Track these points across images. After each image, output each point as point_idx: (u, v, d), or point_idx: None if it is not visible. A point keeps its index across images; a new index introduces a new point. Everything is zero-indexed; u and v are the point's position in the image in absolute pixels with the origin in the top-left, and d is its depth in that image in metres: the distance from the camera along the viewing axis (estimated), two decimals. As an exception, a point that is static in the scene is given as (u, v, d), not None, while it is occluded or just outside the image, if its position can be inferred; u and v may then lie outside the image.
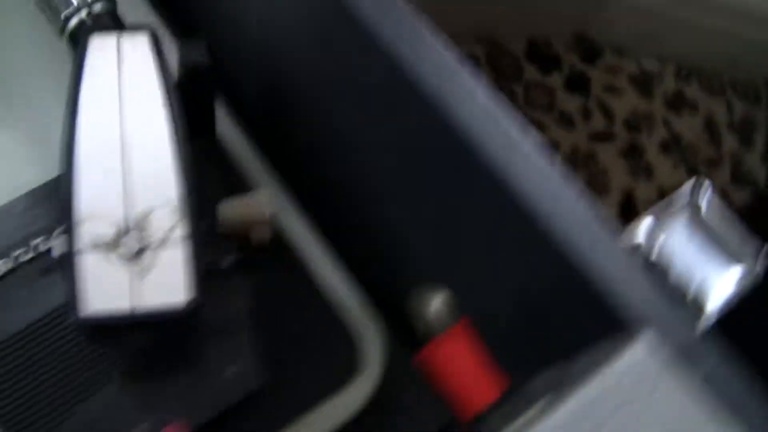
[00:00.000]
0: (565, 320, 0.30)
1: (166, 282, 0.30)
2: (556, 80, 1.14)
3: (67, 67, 0.35)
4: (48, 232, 0.37)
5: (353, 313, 0.39)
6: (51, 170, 0.38)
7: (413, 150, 0.33)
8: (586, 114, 1.13)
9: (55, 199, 0.33)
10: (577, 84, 1.15)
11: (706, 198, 0.35)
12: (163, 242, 0.30)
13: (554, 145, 1.09)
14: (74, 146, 0.31)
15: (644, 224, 0.33)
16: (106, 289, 0.30)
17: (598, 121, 1.13)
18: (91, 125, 0.31)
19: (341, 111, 0.36)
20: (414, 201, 0.35)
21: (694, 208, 0.35)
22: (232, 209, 0.35)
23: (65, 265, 0.30)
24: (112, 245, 0.30)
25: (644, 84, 1.18)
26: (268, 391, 0.37)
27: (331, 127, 0.38)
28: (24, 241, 0.36)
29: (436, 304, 0.36)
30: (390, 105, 0.32)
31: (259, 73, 0.39)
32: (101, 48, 0.33)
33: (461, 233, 0.32)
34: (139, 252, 0.30)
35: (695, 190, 0.35)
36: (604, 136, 1.12)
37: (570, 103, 1.13)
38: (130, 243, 0.30)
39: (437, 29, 0.30)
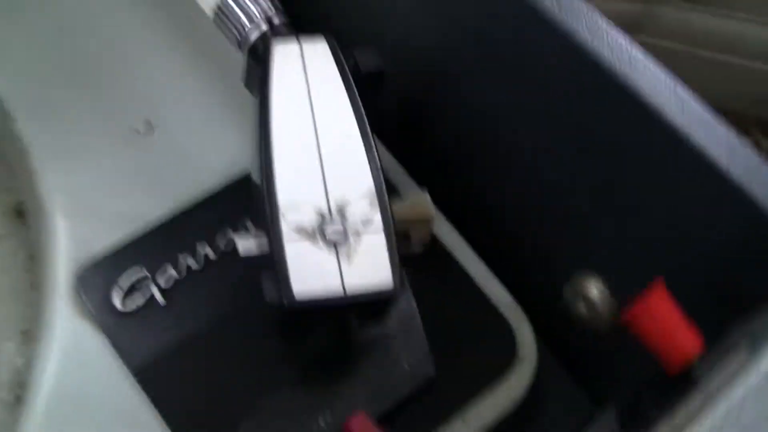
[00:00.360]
0: (752, 273, 0.31)
1: (371, 267, 0.32)
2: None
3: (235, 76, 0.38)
4: (238, 227, 0.38)
5: (506, 307, 0.41)
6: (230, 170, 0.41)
7: (589, 132, 0.34)
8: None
9: (245, 194, 0.35)
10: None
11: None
12: (364, 230, 0.32)
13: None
14: (271, 145, 0.33)
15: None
16: (315, 273, 0.31)
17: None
18: (285, 125, 0.33)
19: (499, 105, 0.38)
20: (588, 189, 0.36)
21: None
22: (399, 210, 0.37)
23: (270, 254, 0.32)
24: (316, 233, 0.32)
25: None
26: (438, 381, 0.38)
27: (484, 128, 0.40)
28: (211, 237, 0.38)
29: (598, 287, 0.37)
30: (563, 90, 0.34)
31: (396, 77, 0.40)
32: (286, 54, 0.35)
33: (647, 210, 0.34)
34: (343, 239, 0.32)
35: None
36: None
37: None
38: (334, 230, 0.32)
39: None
